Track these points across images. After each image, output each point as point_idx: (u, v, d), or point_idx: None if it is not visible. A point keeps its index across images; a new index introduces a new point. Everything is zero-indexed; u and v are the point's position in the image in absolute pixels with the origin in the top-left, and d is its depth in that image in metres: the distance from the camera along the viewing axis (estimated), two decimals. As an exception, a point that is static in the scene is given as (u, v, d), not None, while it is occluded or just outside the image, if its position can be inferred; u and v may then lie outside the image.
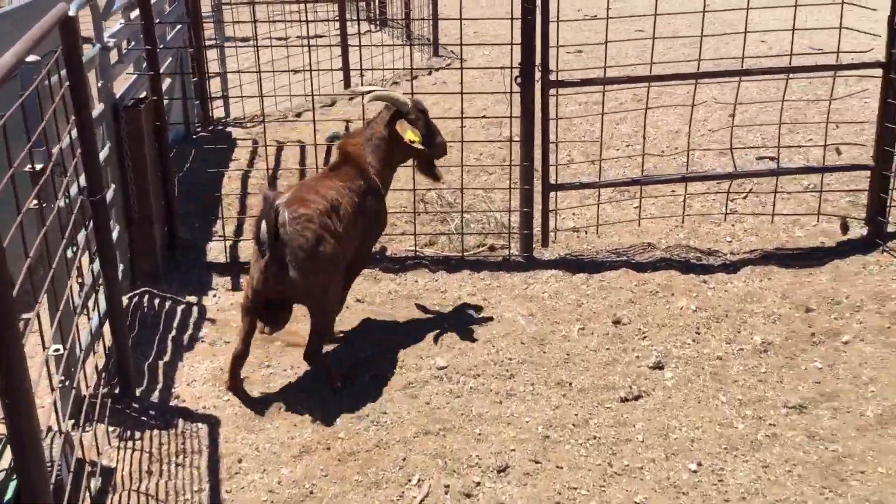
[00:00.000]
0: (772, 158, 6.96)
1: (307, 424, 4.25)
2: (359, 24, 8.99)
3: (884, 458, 3.91)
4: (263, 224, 4.21)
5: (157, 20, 6.04)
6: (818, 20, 7.92)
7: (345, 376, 4.56)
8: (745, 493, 3.76)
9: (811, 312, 5.10)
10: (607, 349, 4.81)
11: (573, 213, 6.40)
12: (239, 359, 4.48)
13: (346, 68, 9.47)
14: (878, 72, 5.71)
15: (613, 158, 7.14)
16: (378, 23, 12.04)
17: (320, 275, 4.36)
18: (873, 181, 5.85)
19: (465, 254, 5.87)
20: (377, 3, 12.25)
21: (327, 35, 9.74)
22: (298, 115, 8.61)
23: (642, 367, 4.65)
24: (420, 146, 4.88)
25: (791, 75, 5.95)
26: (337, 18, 9.75)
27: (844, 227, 5.97)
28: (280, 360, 4.77)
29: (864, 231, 5.92)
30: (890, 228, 5.84)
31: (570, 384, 4.52)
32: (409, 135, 4.82)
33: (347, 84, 9.56)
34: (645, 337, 4.92)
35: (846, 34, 5.67)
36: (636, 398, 4.40)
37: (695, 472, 3.89)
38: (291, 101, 8.74)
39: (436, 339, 4.91)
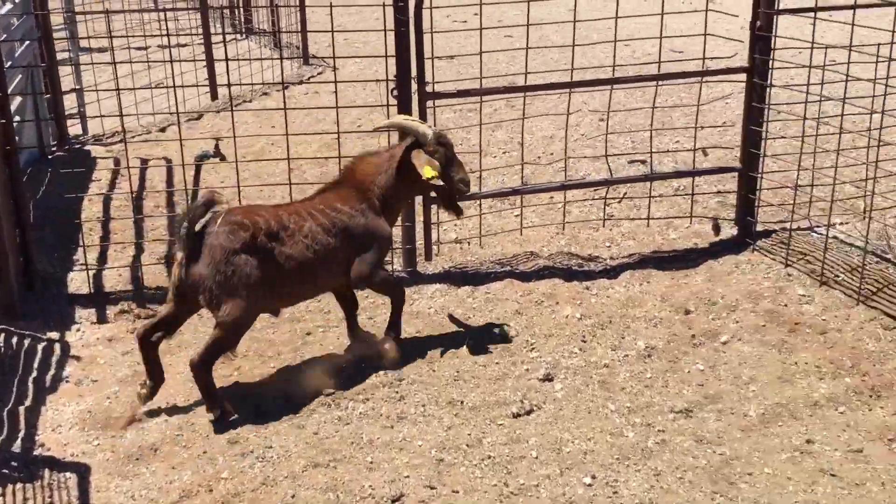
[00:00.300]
0: (642, 162, 7.11)
1: (186, 465, 4.00)
2: (224, 34, 8.66)
3: (769, 458, 4.00)
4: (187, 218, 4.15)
5: (4, 36, 5.67)
6: (679, 25, 8.16)
7: (224, 407, 4.32)
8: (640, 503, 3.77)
9: (690, 314, 5.20)
10: (497, 363, 4.76)
11: (455, 225, 6.34)
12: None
13: (211, 79, 9.14)
14: (742, 76, 5.89)
15: (493, 168, 7.12)
16: (244, 31, 11.69)
17: (234, 286, 4.20)
18: (741, 183, 6.03)
19: (346, 271, 5.71)
20: (242, 12, 11.90)
21: (190, 45, 9.37)
22: (163, 129, 8.23)
23: (532, 380, 4.61)
24: (438, 182, 4.59)
25: (660, 82, 6.06)
26: (200, 31, 9.40)
27: (717, 228, 6.14)
28: (154, 397, 4.48)
29: (735, 231, 6.10)
30: (759, 227, 6.04)
31: (462, 402, 4.43)
32: (427, 171, 4.50)
33: (214, 96, 9.22)
34: (533, 348, 4.89)
35: (702, 38, 5.81)
36: (528, 413, 4.36)
37: (590, 485, 3.86)
38: (155, 116, 8.34)
39: (321, 363, 4.74)
